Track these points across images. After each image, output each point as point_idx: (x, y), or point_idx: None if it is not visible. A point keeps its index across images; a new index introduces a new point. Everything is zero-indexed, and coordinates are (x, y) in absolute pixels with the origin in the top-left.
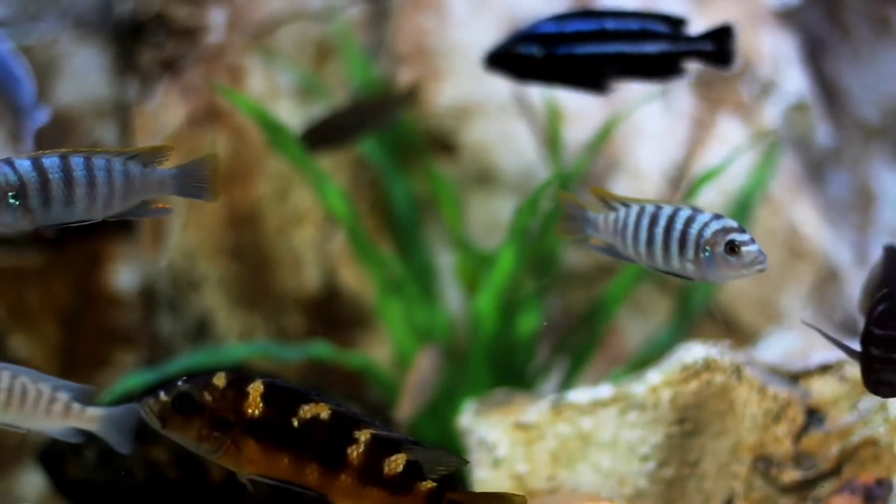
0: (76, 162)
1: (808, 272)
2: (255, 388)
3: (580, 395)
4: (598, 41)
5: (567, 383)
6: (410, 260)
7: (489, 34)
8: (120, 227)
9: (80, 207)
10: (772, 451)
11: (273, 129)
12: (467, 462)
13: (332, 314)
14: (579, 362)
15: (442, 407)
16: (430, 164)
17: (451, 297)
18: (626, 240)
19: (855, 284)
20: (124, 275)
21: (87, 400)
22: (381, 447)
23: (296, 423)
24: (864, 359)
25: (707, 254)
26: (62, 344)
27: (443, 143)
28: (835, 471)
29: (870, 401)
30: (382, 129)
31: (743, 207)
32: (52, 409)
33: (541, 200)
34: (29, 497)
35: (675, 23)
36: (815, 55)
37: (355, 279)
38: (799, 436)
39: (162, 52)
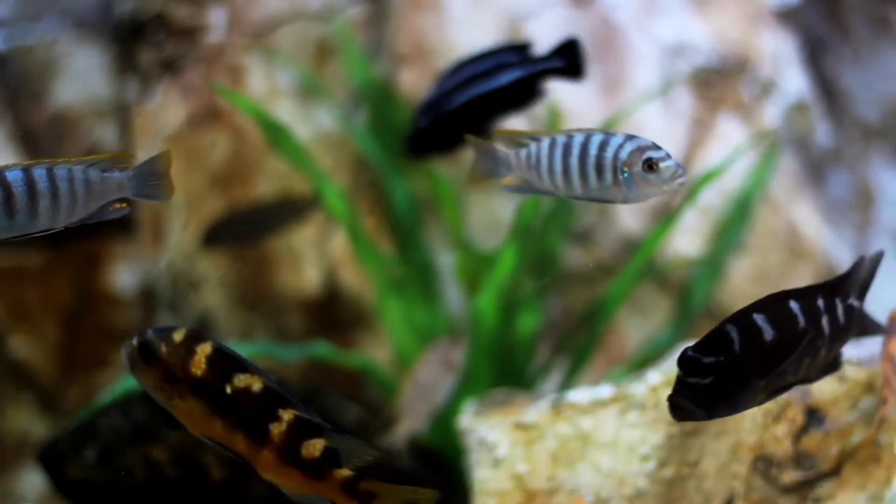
0: (39, 174)
1: (808, 272)
2: (203, 350)
3: (580, 395)
4: (463, 89)
5: (567, 383)
6: (410, 260)
7: (488, 34)
8: (120, 227)
9: (44, 218)
10: (772, 451)
11: (273, 129)
12: (380, 454)
13: (332, 314)
14: (579, 362)
15: (442, 407)
16: (430, 164)
17: (451, 297)
18: (541, 173)
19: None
20: (124, 275)
21: None
22: (303, 429)
23: (229, 390)
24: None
25: (626, 175)
26: (62, 344)
27: None
28: (835, 471)
29: (870, 401)
30: (283, 232)
31: (743, 207)
32: None
33: (541, 200)
34: (29, 497)
35: (523, 49)
36: (815, 55)
37: (355, 279)
38: (799, 436)
39: (162, 52)
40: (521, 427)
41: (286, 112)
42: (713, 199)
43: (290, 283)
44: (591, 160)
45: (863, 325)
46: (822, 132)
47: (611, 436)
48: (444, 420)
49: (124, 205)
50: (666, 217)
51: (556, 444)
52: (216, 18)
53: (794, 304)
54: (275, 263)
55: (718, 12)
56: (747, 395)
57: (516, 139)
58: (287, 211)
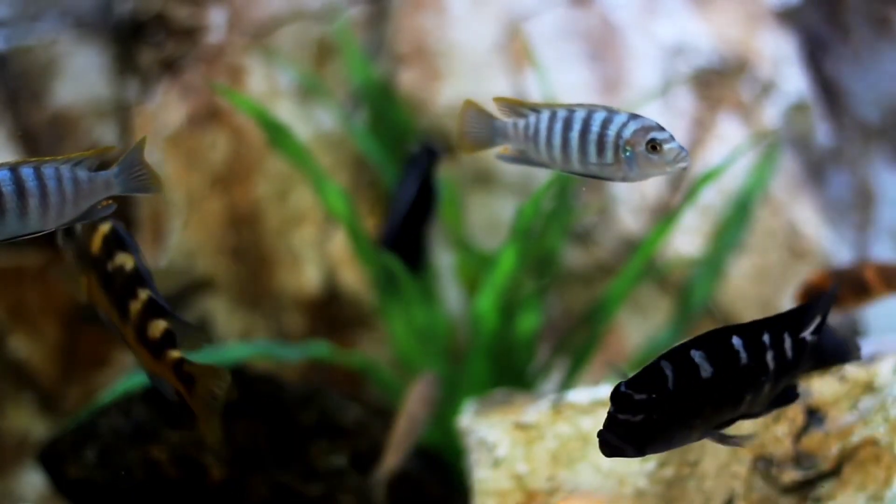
0: (27, 173)
1: (808, 272)
2: (102, 229)
3: (580, 394)
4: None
5: (567, 383)
6: None
7: (489, 34)
8: None
9: (34, 218)
10: (772, 451)
11: (273, 129)
12: (209, 340)
13: (332, 314)
14: (579, 362)
15: (442, 407)
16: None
17: (451, 297)
18: (538, 145)
19: None
20: None
21: None
22: (152, 310)
23: (109, 268)
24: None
25: (628, 154)
26: (62, 344)
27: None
28: (835, 471)
29: (870, 401)
30: None
31: (743, 207)
32: None
33: (542, 201)
34: (29, 497)
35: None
36: (815, 55)
37: (355, 279)
38: (799, 436)
39: (162, 52)
40: (521, 427)
41: (286, 112)
42: (713, 199)
43: (290, 283)
44: (593, 136)
45: (834, 354)
46: (822, 132)
47: None
48: (444, 420)
49: (110, 202)
50: (666, 217)
51: (556, 444)
52: (216, 18)
53: (736, 341)
54: (275, 263)
55: (718, 12)
56: (681, 433)
57: (515, 109)
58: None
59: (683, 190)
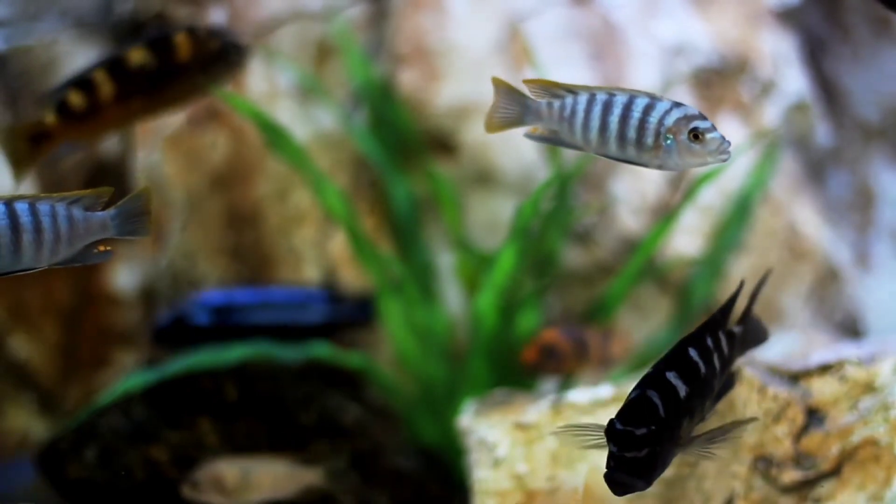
0: (21, 208)
1: (808, 272)
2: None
3: (580, 395)
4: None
5: (567, 383)
6: (410, 260)
7: (489, 34)
8: None
9: (28, 255)
10: (772, 451)
11: (271, 131)
12: None
13: None
14: None
15: (442, 407)
16: (430, 164)
17: (451, 297)
18: (574, 127)
19: (855, 284)
20: (124, 275)
21: None
22: None
23: None
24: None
25: (669, 142)
26: (62, 344)
27: (443, 143)
28: (835, 471)
29: (870, 401)
30: None
31: (743, 207)
32: None
33: (541, 201)
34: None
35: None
36: (815, 55)
37: (355, 279)
38: (799, 436)
39: None
40: (521, 427)
41: (286, 112)
42: (713, 199)
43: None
44: (634, 122)
45: (750, 339)
46: (822, 132)
47: None
48: (444, 420)
49: (108, 248)
50: (666, 217)
51: (556, 444)
52: (216, 18)
53: (693, 352)
54: (275, 263)
55: (718, 12)
56: (672, 453)
57: (551, 90)
58: None
59: (683, 190)
